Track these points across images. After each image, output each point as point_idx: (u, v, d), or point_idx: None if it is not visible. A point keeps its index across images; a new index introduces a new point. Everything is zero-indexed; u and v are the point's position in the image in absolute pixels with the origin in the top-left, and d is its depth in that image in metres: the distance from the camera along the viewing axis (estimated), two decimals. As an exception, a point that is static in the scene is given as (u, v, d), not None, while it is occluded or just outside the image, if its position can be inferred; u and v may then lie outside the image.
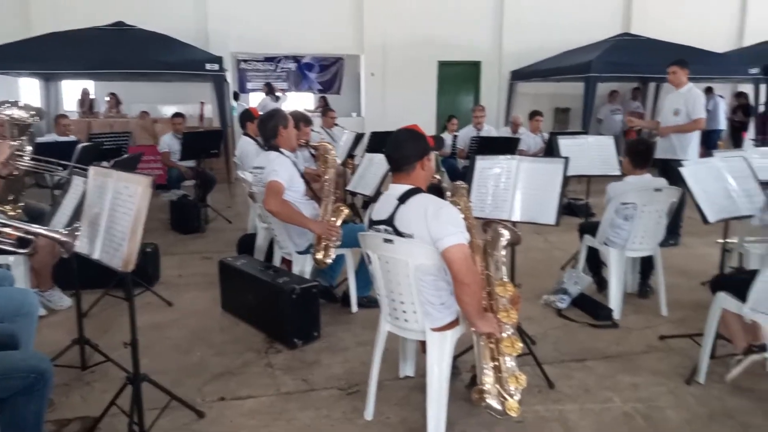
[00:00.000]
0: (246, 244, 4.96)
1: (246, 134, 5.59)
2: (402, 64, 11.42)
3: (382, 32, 11.30)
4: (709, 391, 3.03)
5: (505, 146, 7.08)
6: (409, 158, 2.54)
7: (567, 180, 7.14)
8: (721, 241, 3.52)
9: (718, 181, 3.15)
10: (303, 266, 3.87)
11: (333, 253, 3.74)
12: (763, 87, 10.32)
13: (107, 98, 10.89)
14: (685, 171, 3.08)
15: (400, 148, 2.56)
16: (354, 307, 4.06)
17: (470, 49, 11.80)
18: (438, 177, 2.80)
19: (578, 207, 7.20)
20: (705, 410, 2.85)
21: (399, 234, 2.48)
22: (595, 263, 4.51)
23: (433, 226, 2.38)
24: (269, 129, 3.86)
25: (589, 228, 4.39)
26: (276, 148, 3.84)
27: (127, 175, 2.49)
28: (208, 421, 2.79)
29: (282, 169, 3.65)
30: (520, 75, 11.72)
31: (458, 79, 12.16)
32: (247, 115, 5.71)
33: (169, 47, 8.86)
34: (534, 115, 8.34)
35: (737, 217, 3.19)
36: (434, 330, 2.55)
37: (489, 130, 8.50)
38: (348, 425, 2.76)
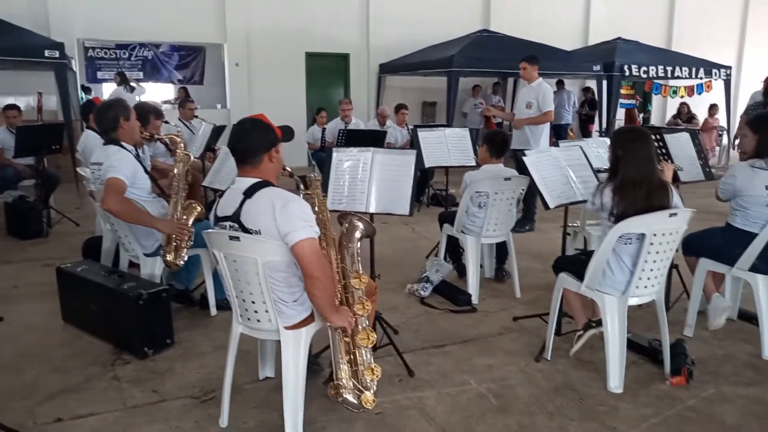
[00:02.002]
0: (92, 248, 4.53)
1: (90, 127, 5.13)
2: (268, 55, 11.10)
3: (245, 21, 10.89)
4: (555, 366, 3.22)
5: (372, 139, 7.15)
6: (254, 150, 2.41)
7: (431, 172, 7.47)
8: (563, 225, 3.76)
9: (556, 169, 3.36)
10: (152, 269, 3.60)
11: (185, 254, 3.51)
12: (605, 83, 11.30)
13: (-75, 89, 9.53)
14: (528, 160, 3.24)
15: (245, 139, 2.43)
16: (213, 310, 3.86)
17: (338, 42, 11.76)
18: (289, 169, 2.69)
19: (444, 197, 7.45)
20: (551, 384, 3.02)
21: (246, 230, 2.36)
22: (455, 251, 4.67)
23: (281, 220, 2.29)
24: (108, 120, 3.54)
25: (448, 217, 4.52)
26: (116, 142, 3.53)
27: None
28: (39, 446, 2.51)
29: (122, 165, 3.36)
30: (388, 68, 11.89)
31: (327, 71, 12.09)
32: (90, 107, 5.23)
33: None
34: (399, 108, 8.48)
35: (574, 202, 3.41)
36: (288, 328, 2.47)
37: (357, 123, 8.54)
38: (201, 435, 2.60)
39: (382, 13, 11.81)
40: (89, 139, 4.95)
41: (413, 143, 7.73)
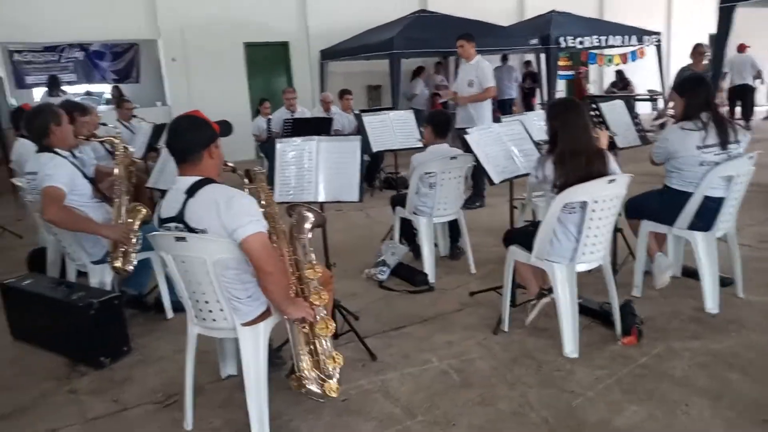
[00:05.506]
0: (37, 260, 4.38)
1: (22, 135, 4.91)
2: (205, 48, 10.81)
3: (177, 14, 10.56)
4: (512, 336, 3.31)
5: (319, 126, 7.10)
6: (192, 148, 2.37)
7: (381, 156, 7.46)
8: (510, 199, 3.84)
9: (499, 145, 3.42)
10: (102, 277, 3.51)
11: (134, 258, 3.43)
12: (542, 56, 11.48)
13: None
14: (470, 138, 3.29)
15: (182, 137, 2.38)
16: (169, 313, 3.79)
17: (276, 30, 11.56)
18: (231, 164, 2.65)
19: (395, 180, 7.46)
20: (509, 355, 3.11)
21: (191, 230, 2.32)
22: (409, 232, 4.71)
23: (226, 217, 2.26)
24: (38, 128, 3.40)
25: (400, 200, 4.56)
26: (49, 149, 3.40)
27: None
28: (-4, 470, 2.44)
29: (58, 172, 3.24)
30: (329, 54, 11.77)
31: (268, 60, 11.89)
32: (19, 114, 5.00)
33: None
34: (343, 93, 8.42)
35: (519, 176, 3.49)
36: (245, 325, 2.45)
37: (302, 111, 8.44)
38: (166, 440, 2.57)
39: (318, -1, 11.67)
40: (23, 148, 4.75)
41: (360, 128, 7.74)
